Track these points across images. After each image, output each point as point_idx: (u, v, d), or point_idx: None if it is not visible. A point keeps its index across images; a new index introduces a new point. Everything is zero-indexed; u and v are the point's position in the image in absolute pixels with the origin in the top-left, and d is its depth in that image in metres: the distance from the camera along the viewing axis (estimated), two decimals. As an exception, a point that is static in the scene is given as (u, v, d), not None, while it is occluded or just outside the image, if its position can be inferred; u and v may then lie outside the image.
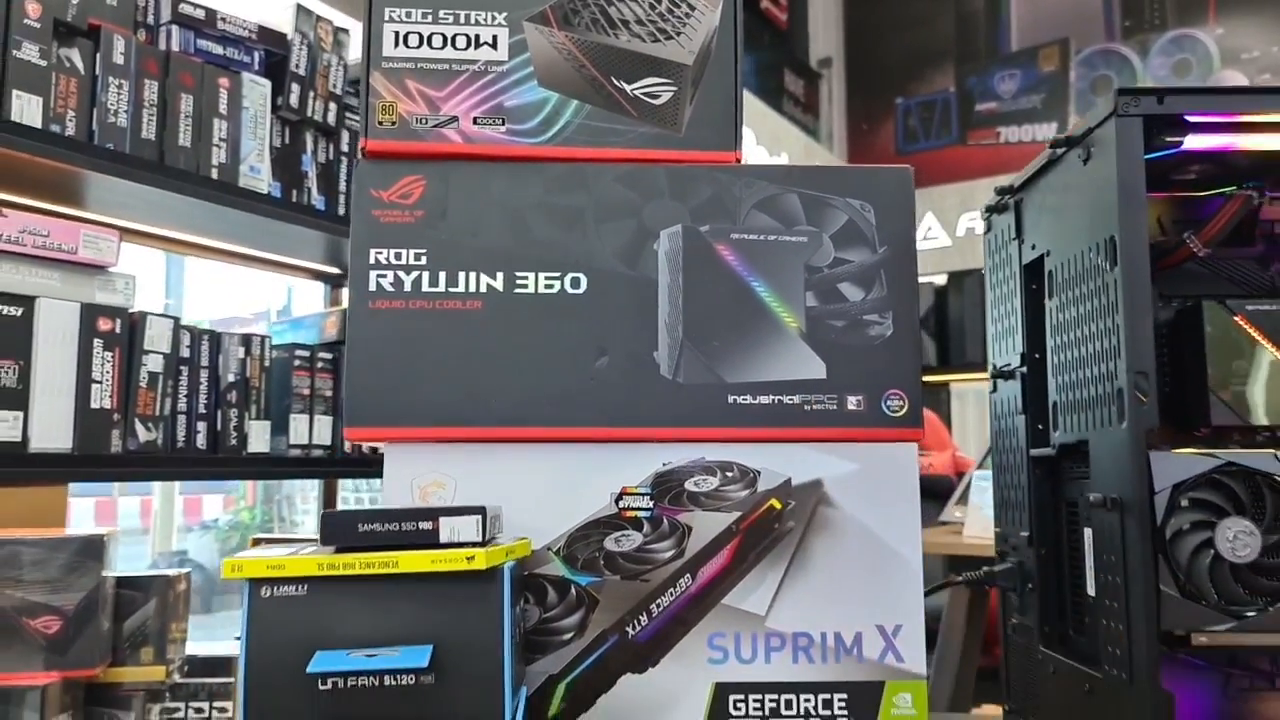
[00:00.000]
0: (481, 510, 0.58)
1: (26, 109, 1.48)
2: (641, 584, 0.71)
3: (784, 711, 0.70)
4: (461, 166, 0.73)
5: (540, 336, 0.72)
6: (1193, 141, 0.61)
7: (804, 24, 6.54)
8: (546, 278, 0.73)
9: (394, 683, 0.55)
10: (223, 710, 1.80)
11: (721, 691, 0.70)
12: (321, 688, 0.54)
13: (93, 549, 1.52)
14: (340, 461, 1.96)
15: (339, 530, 0.57)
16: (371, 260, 0.73)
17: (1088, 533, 0.66)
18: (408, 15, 0.74)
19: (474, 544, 0.57)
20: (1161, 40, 4.08)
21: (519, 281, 0.73)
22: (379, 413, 0.71)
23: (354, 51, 2.08)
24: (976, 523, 1.91)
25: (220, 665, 1.78)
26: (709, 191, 0.74)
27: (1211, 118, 0.60)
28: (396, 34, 0.73)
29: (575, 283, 0.73)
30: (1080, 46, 4.84)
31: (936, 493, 2.56)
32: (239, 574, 0.55)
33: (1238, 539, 0.60)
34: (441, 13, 0.73)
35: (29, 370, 1.44)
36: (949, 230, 5.46)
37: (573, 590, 0.70)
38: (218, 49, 1.81)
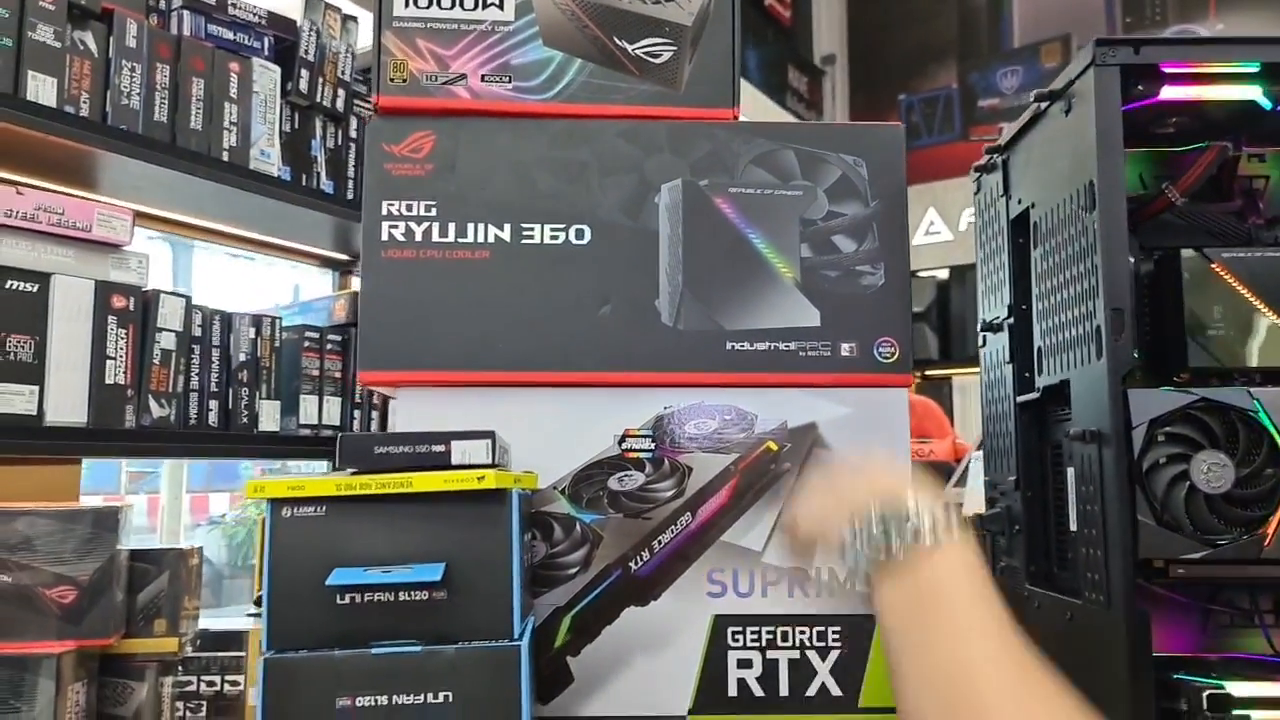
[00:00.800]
0: (491, 434, 0.61)
1: (42, 89, 1.51)
2: (643, 521, 0.74)
3: (780, 643, 0.73)
4: (469, 122, 0.76)
5: (546, 285, 0.75)
6: (1169, 92, 0.64)
7: (808, 20, 6.57)
8: (552, 229, 0.76)
9: (408, 597, 0.58)
10: (234, 684, 1.82)
11: (720, 623, 0.73)
12: (339, 601, 0.57)
13: (107, 521, 1.55)
14: (348, 441, 2.00)
15: (356, 453, 0.61)
16: (384, 212, 0.76)
17: (1070, 470, 0.69)
18: (418, -25, 0.77)
19: (484, 466, 0.60)
20: (1162, 35, 4.10)
21: (525, 232, 0.76)
22: (391, 357, 0.74)
23: (362, 39, 2.11)
24: (974, 501, 1.93)
25: (232, 639, 1.81)
26: (708, 147, 0.77)
27: (1186, 68, 0.63)
28: (407, -6, 0.76)
29: (579, 234, 0.76)
30: (1082, 42, 4.84)
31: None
32: (261, 494, 0.58)
33: (1211, 471, 0.63)
34: (450, -27, 0.76)
35: (44, 345, 1.46)
36: (951, 225, 5.48)
37: (578, 527, 0.73)
38: (228, 34, 1.84)
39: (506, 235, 0.75)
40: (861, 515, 0.54)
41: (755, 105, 4.15)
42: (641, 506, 0.74)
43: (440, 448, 0.60)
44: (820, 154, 0.77)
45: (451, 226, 0.75)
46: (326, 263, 2.48)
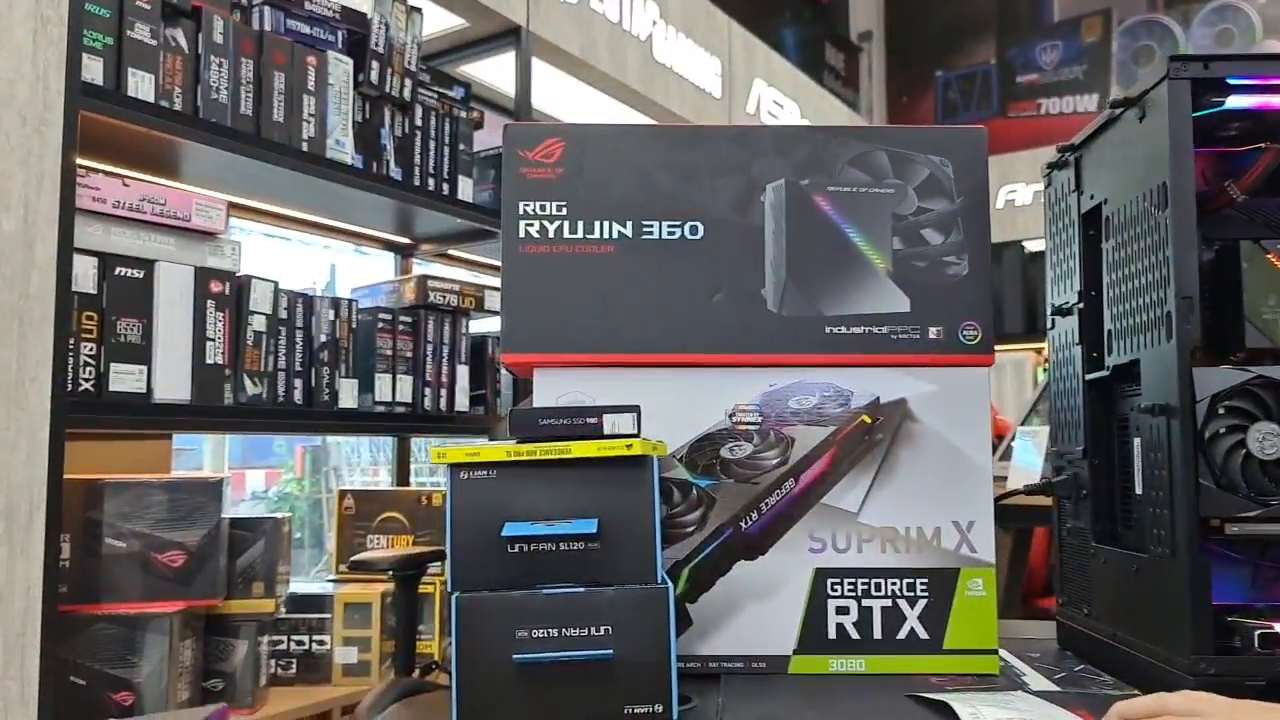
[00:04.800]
0: (636, 408, 0.71)
1: (141, 85, 1.60)
2: (752, 486, 0.83)
3: (874, 593, 0.82)
4: (594, 129, 0.85)
5: (664, 276, 0.85)
6: (1234, 101, 0.72)
7: (843, -3, 6.56)
8: (669, 225, 0.85)
9: (568, 547, 0.67)
10: (321, 643, 1.96)
11: (820, 576, 0.83)
12: (510, 550, 0.67)
13: (212, 490, 1.68)
14: (420, 418, 2.10)
15: (523, 424, 0.70)
16: (520, 211, 0.85)
17: (1137, 440, 0.78)
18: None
19: (630, 435, 0.70)
20: (1204, 10, 4.06)
21: (645, 228, 0.85)
22: (529, 341, 0.84)
23: (428, 29, 2.19)
24: (1017, 476, 2.01)
25: (318, 602, 1.95)
26: (808, 150, 0.85)
27: (1251, 80, 0.70)
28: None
29: (694, 230, 0.85)
30: (1123, 17, 4.80)
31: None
32: (443, 460, 0.68)
33: (1266, 440, 0.71)
34: None
35: (151, 328, 1.57)
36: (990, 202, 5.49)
37: (694, 491, 0.83)
38: (305, 29, 1.93)
39: (629, 231, 0.85)
40: None
41: (793, 84, 4.19)
42: (750, 473, 0.83)
43: (594, 420, 0.70)
44: (910, 155, 0.85)
45: (580, 224, 0.85)
46: (388, 245, 2.58)
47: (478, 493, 0.68)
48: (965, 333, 0.84)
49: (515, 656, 0.63)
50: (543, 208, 0.84)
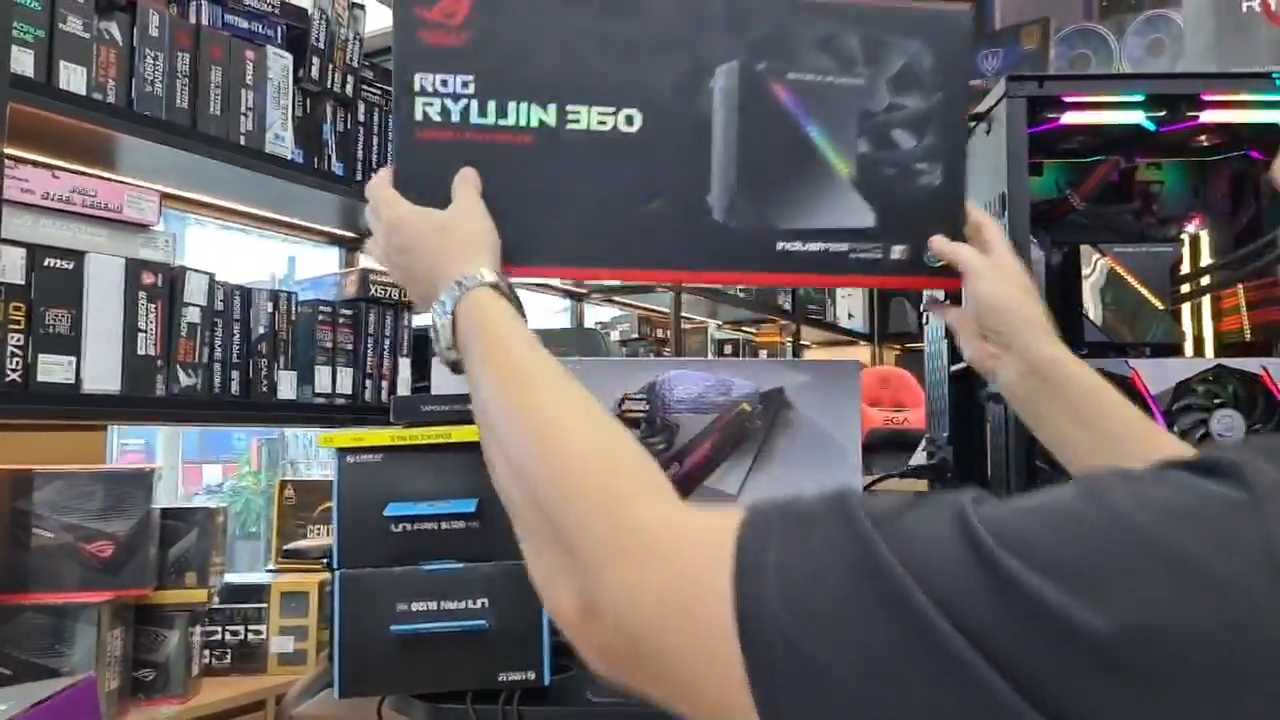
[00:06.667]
0: (515, 397, 0.75)
1: (73, 78, 1.61)
2: (638, 470, 0.87)
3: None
4: (507, -16, 0.69)
5: (592, 175, 0.70)
6: (1070, 117, 0.78)
7: None
8: (599, 113, 0.70)
9: (449, 526, 0.72)
10: (257, 633, 1.97)
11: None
12: (394, 529, 0.72)
13: (141, 481, 1.69)
14: (360, 410, 2.12)
15: (406, 410, 0.75)
16: (417, 86, 0.68)
17: (988, 427, 0.84)
18: None
19: (510, 422, 0.74)
20: (1137, 20, 4.18)
21: (570, 116, 0.69)
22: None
23: (370, 26, 2.21)
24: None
25: (254, 592, 1.96)
26: (768, 26, 0.70)
27: (1082, 98, 0.76)
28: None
29: (629, 120, 0.70)
30: (1060, 25, 4.92)
31: (911, 445, 2.72)
32: (330, 444, 0.72)
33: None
34: None
35: (80, 319, 1.58)
36: (934, 202, 5.59)
37: (583, 475, 0.87)
38: (244, 23, 1.94)
39: (550, 118, 0.69)
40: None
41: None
42: (635, 458, 0.88)
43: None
44: (885, 39, 0.71)
45: (491, 105, 0.68)
46: (332, 239, 2.59)
47: (363, 475, 0.72)
48: (931, 254, 0.74)
49: (394, 628, 0.68)
50: (444, 83, 0.68)
